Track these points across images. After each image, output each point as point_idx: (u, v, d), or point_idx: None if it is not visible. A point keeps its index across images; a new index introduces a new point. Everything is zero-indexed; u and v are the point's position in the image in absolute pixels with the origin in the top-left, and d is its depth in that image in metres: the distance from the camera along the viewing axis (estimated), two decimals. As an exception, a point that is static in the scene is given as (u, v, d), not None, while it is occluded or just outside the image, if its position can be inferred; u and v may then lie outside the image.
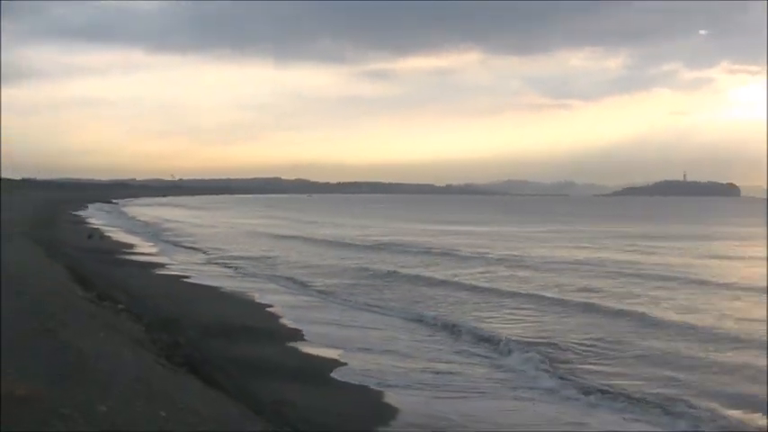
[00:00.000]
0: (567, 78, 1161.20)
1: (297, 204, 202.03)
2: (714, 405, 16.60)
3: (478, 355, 22.08)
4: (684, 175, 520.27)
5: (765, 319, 26.72)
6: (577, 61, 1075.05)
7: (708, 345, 23.06)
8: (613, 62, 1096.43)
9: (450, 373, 19.95)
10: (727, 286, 36.83)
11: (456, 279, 39.04)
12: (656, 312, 28.84)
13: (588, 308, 30.02)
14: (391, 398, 17.22)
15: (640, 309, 29.68)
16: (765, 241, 67.77)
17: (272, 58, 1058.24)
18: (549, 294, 33.53)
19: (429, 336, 25.22)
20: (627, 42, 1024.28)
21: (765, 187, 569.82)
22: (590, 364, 20.84)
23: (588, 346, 22.94)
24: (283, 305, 30.36)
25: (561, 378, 19.24)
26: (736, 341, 23.54)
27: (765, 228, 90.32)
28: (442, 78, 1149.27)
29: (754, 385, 18.35)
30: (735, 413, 16.07)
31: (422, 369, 20.27)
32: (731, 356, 21.58)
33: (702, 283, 38.16)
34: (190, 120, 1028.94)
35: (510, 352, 22.09)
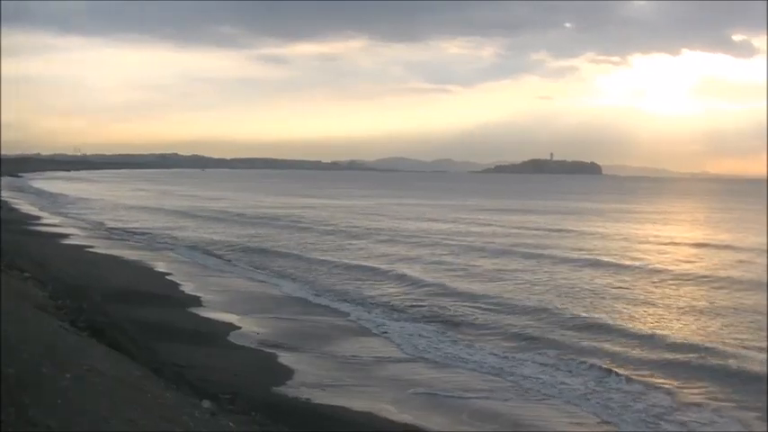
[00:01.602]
0: (445, 65, 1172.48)
1: (192, 179, 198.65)
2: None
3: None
4: (551, 155, 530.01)
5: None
6: (455, 50, 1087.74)
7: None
8: (487, 51, 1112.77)
9: (328, 336, 20.31)
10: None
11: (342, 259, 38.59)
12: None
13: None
14: (285, 359, 17.29)
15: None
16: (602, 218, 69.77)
17: (173, 43, 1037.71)
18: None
19: (313, 297, 26.27)
20: (499, 33, 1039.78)
21: (625, 166, 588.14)
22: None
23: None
24: (182, 273, 30.14)
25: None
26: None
27: (617, 204, 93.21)
28: (329, 63, 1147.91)
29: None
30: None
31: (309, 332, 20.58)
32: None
33: (505, 252, 39.28)
34: (94, 99, 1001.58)
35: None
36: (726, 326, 21.86)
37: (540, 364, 17.70)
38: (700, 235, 52.95)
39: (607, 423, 13.94)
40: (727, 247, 43.81)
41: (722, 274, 32.26)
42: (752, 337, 20.24)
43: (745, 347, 19.06)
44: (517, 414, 14.35)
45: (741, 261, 37.01)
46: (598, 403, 14.90)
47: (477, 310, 23.59)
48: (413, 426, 13.28)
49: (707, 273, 32.50)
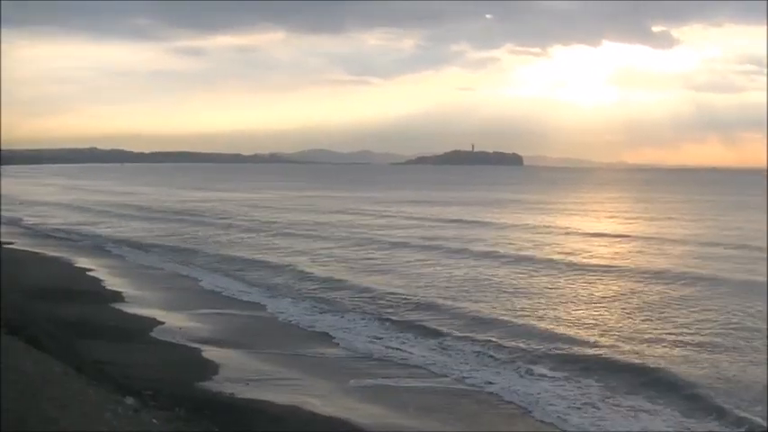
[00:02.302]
0: (365, 57, 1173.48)
1: (111, 174, 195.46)
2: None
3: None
4: (473, 146, 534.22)
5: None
6: (375, 41, 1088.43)
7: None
8: (407, 42, 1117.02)
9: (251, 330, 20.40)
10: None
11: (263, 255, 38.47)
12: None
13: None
14: (210, 353, 17.25)
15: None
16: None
17: (87, 35, 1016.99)
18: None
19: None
20: (419, 24, 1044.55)
21: (546, 156, 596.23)
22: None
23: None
24: (103, 269, 29.79)
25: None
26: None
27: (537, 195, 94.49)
28: (248, 55, 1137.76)
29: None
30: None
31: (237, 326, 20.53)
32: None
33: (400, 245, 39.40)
34: (6, 92, 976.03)
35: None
36: (624, 318, 21.82)
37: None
38: (611, 226, 53.19)
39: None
40: (647, 237, 44.31)
41: (627, 263, 32.69)
42: (645, 328, 20.37)
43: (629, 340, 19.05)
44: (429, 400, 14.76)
45: (641, 251, 37.63)
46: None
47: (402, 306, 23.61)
48: (337, 418, 13.36)
49: (620, 264, 32.56)
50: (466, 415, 14.05)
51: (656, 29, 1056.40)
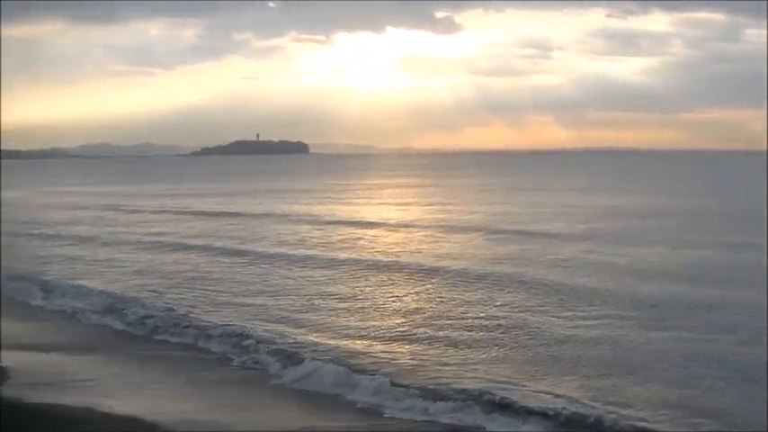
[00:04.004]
0: (146, 47, 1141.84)
1: None
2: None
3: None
4: (258, 135, 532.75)
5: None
6: (156, 31, 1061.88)
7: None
8: (189, 32, 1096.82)
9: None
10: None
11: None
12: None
13: None
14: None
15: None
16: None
17: None
18: None
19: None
20: (201, 14, 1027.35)
21: (333, 143, 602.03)
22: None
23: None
24: None
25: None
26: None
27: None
28: (24, 47, 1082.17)
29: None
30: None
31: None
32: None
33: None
34: None
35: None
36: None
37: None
38: (388, 214, 53.84)
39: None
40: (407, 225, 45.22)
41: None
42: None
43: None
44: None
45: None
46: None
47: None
48: (133, 417, 13.71)
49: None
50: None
51: (439, 15, 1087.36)
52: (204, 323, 20.54)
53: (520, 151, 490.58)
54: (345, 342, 18.49)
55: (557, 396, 14.16)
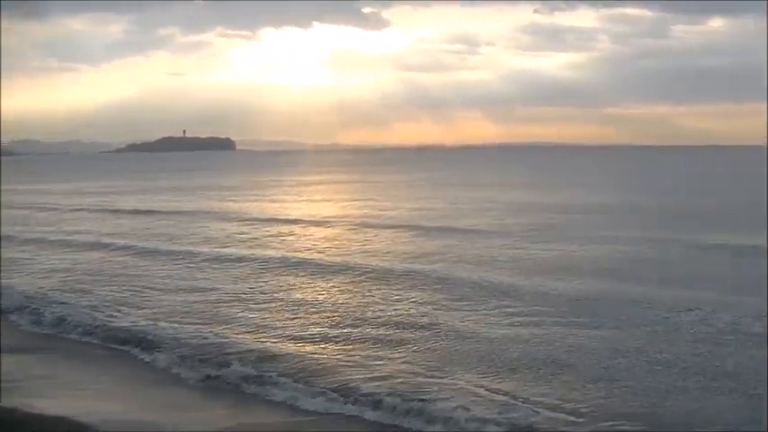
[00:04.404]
0: (72, 43, 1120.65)
1: None
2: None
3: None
4: (184, 132, 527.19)
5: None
6: (81, 26, 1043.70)
7: None
8: (114, 28, 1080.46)
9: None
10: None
11: None
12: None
13: None
14: None
15: None
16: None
17: None
18: None
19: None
20: (126, 9, 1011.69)
21: (260, 140, 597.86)
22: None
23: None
24: None
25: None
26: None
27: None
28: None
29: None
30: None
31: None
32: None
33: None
34: None
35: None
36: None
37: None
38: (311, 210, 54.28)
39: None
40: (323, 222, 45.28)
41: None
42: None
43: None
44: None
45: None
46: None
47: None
48: (61, 417, 13.66)
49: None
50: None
51: (366, 10, 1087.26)
52: (127, 324, 20.62)
53: (448, 147, 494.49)
54: (262, 341, 18.64)
55: (468, 393, 14.46)
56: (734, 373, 14.98)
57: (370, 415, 13.94)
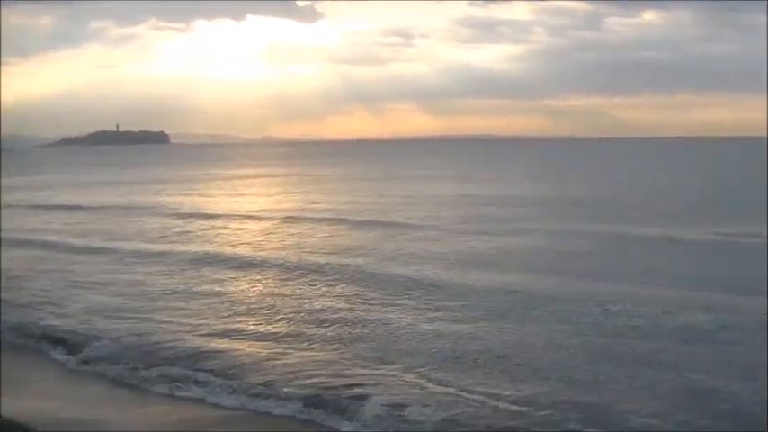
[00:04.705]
0: (3, 36, 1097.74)
1: None
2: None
3: None
4: (117, 126, 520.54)
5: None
6: (12, 19, 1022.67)
7: None
8: (45, 20, 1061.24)
9: None
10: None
11: None
12: None
13: None
14: None
15: None
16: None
17: None
18: None
19: None
20: (58, 1, 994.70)
21: (194, 133, 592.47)
22: None
23: None
24: None
25: None
26: None
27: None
28: None
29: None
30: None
31: None
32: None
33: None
34: None
35: None
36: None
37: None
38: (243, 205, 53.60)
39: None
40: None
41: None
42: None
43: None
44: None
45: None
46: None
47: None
48: None
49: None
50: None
51: (300, 3, 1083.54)
52: (55, 322, 20.43)
53: (384, 139, 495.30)
54: (188, 338, 18.50)
55: (396, 386, 14.54)
56: (658, 362, 15.46)
57: (287, 410, 14.01)
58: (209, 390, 15.18)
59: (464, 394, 13.95)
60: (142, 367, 16.48)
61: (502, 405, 13.41)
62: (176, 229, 38.98)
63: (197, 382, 15.52)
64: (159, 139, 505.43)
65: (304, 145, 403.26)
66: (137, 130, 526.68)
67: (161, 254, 31.14)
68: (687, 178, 77.12)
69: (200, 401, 14.89)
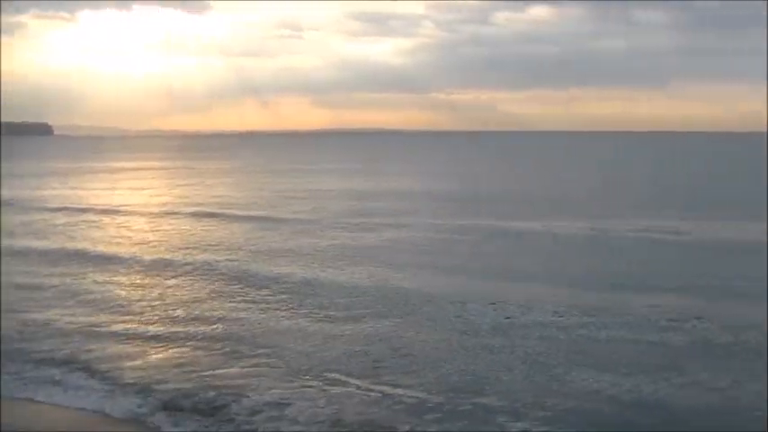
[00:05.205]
0: None
1: None
2: None
3: None
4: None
5: None
6: None
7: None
8: None
9: None
10: None
11: None
12: None
13: None
14: None
15: None
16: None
17: None
18: None
19: None
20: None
21: (78, 125, 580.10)
22: None
23: None
24: None
25: None
26: None
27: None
28: None
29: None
30: None
31: None
32: None
33: None
34: None
35: None
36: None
37: None
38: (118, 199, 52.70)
39: None
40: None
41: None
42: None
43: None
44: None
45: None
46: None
47: None
48: None
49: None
50: None
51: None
52: None
53: (274, 132, 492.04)
54: (53, 339, 17.53)
55: (267, 388, 13.92)
56: (528, 354, 15.54)
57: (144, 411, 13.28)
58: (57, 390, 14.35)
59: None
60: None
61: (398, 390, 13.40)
62: (39, 225, 37.29)
63: (57, 383, 14.63)
64: (42, 130, 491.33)
65: (194, 138, 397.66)
66: (18, 121, 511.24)
67: (26, 250, 29.68)
68: (572, 173, 78.45)
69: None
